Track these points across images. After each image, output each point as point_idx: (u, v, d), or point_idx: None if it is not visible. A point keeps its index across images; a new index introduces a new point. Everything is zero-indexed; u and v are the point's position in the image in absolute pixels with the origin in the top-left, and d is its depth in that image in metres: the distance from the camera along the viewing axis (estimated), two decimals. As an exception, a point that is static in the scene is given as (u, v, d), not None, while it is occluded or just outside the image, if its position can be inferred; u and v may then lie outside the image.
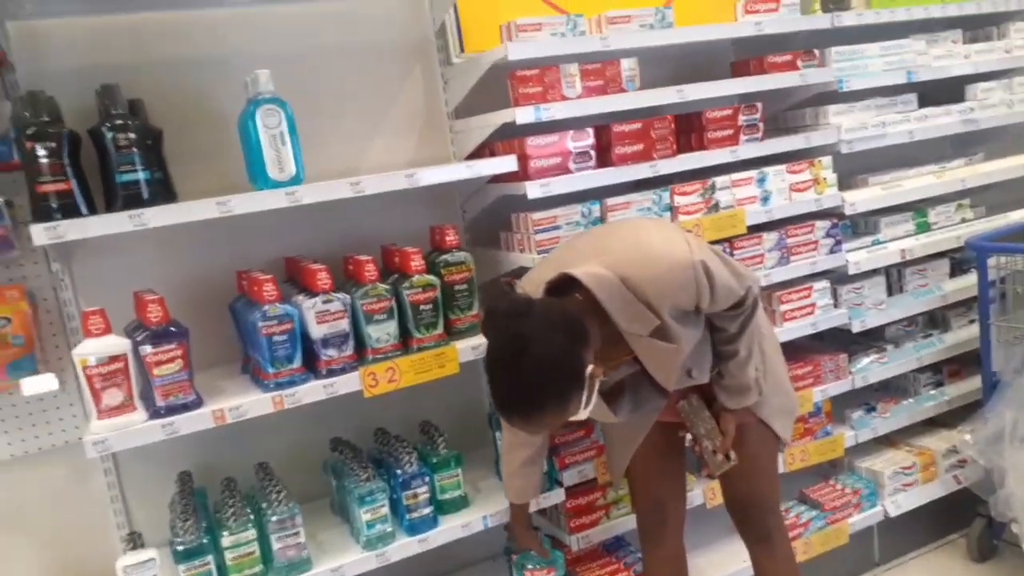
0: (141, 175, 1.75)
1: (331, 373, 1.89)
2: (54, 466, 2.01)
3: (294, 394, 1.83)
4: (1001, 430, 2.40)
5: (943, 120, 2.70)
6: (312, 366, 1.90)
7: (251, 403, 1.80)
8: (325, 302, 1.87)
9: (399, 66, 2.33)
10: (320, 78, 2.23)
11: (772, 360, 1.93)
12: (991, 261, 2.60)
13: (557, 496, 2.17)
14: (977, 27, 2.88)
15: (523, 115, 2.07)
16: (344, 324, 1.89)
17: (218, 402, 1.80)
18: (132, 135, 1.74)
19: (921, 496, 2.70)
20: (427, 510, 2.01)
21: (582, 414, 1.51)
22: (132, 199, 1.74)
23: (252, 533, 1.81)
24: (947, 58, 2.73)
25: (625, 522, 2.27)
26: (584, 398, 1.49)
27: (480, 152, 2.30)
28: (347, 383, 1.89)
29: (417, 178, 1.96)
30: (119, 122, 1.74)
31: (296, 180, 1.85)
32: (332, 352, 1.89)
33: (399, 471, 1.98)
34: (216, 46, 2.10)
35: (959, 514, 2.76)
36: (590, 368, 1.49)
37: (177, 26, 2.06)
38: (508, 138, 2.20)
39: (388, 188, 1.93)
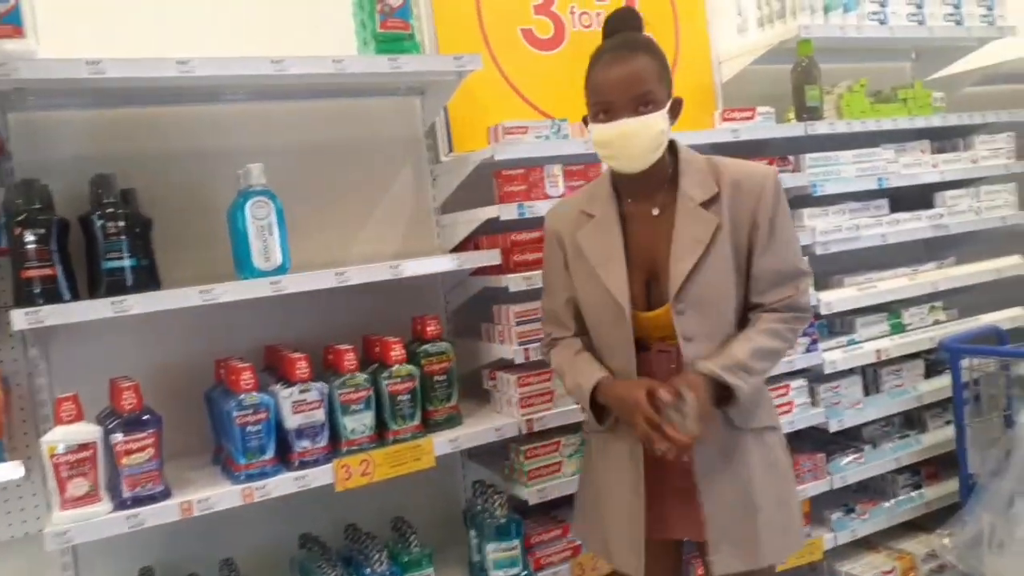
0: (127, 262, 1.77)
1: (304, 465, 1.86)
2: (11, 558, 1.94)
3: (264, 486, 1.80)
4: (979, 534, 2.38)
5: (914, 225, 2.79)
6: (284, 457, 1.87)
7: (220, 495, 1.77)
8: (302, 391, 1.86)
9: (390, 162, 2.40)
10: (313, 171, 2.29)
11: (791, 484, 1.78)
12: (964, 363, 2.64)
13: (532, 598, 2.12)
14: (944, 139, 3.01)
15: (507, 212, 2.13)
16: (320, 414, 1.88)
17: (186, 493, 1.76)
18: (121, 223, 1.77)
19: (903, 603, 2.65)
20: (397, 610, 1.95)
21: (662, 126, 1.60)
22: (116, 285, 1.75)
23: (214, 633, 1.75)
24: (916, 166, 2.85)
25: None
26: (667, 118, 1.62)
27: (465, 245, 2.35)
28: (319, 476, 1.86)
29: (401, 269, 2.00)
30: (109, 210, 1.77)
31: (281, 269, 1.87)
32: (306, 443, 1.87)
33: (368, 570, 1.93)
34: (213, 139, 2.16)
35: (942, 622, 2.71)
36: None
37: (176, 119, 2.12)
38: (493, 233, 2.25)
39: (372, 279, 1.96)
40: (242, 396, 1.81)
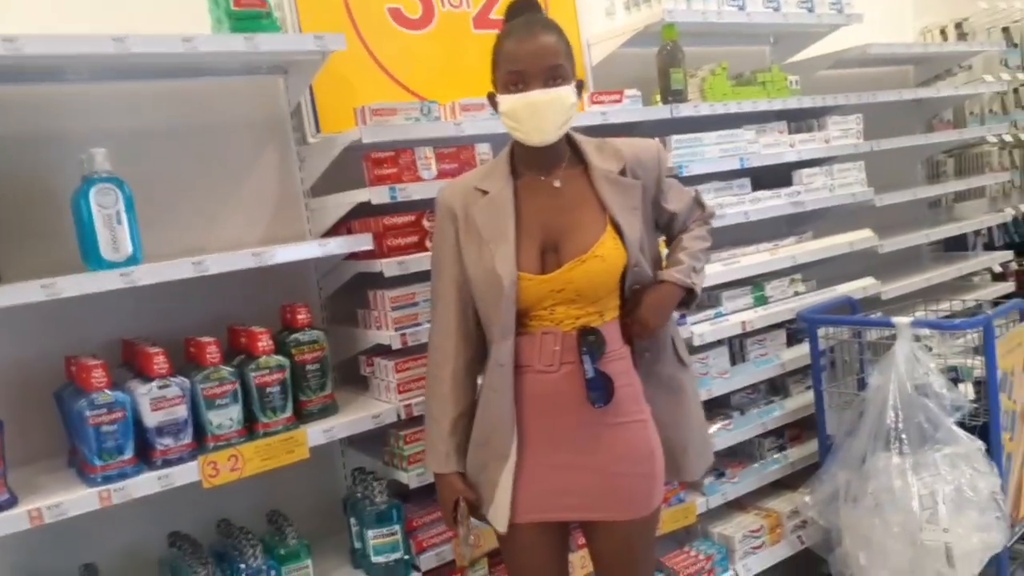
0: (-45, 256, 1.64)
1: (167, 464, 1.78)
2: None
3: (123, 488, 1.71)
4: (836, 490, 2.55)
5: (774, 202, 2.93)
6: (146, 457, 1.79)
7: (74, 500, 1.67)
8: (161, 387, 1.78)
9: (253, 144, 2.30)
10: (169, 155, 2.17)
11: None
12: (821, 332, 2.81)
13: (414, 582, 2.12)
14: (800, 119, 3.18)
15: (378, 195, 2.09)
16: (182, 410, 1.80)
17: (35, 500, 1.65)
18: (-53, 214, 1.63)
19: (769, 558, 2.82)
20: (273, 605, 1.90)
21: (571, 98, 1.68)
22: (-57, 282, 1.62)
23: (72, 645, 1.65)
24: (775, 146, 2.99)
25: (485, 603, 2.24)
26: (575, 92, 1.69)
27: (338, 230, 2.30)
28: (184, 474, 1.79)
29: (265, 257, 1.93)
30: (-68, 200, 1.63)
31: (133, 260, 1.77)
32: (168, 441, 1.79)
33: (242, 565, 1.87)
34: (53, 122, 2.00)
35: (805, 573, 2.89)
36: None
37: (9, 100, 1.96)
38: (366, 216, 2.21)
39: (234, 267, 1.88)
40: (94, 395, 1.71)
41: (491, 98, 1.75)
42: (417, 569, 2.13)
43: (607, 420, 1.73)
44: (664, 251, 1.95)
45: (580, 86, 1.73)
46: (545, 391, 1.73)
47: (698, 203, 1.96)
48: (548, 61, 1.64)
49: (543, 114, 1.65)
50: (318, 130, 2.35)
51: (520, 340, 1.73)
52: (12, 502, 1.64)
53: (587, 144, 1.80)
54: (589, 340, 1.69)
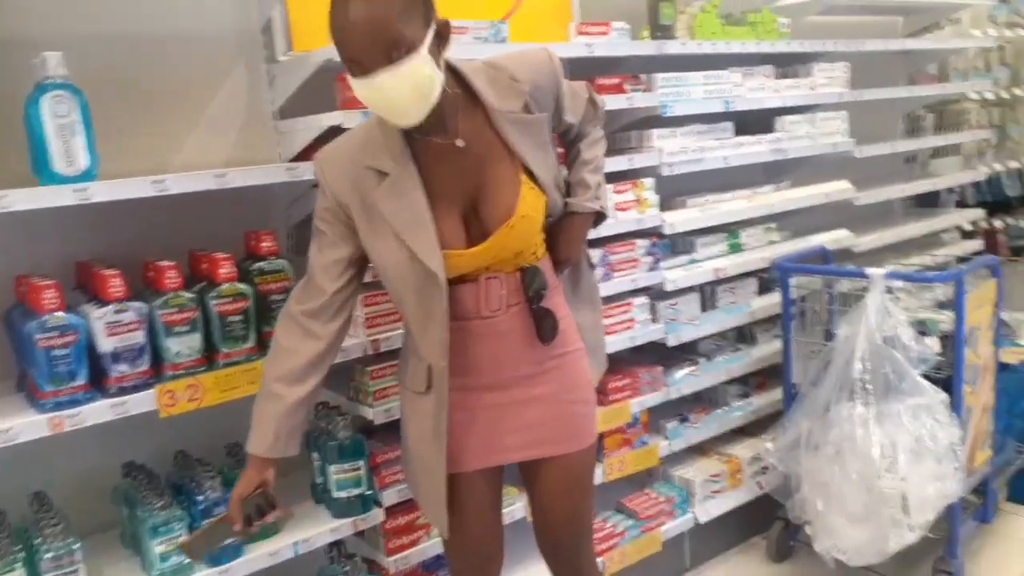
0: None
1: (122, 392, 1.71)
2: None
3: (77, 414, 1.65)
4: (798, 438, 2.58)
5: (755, 148, 2.88)
6: (100, 384, 1.72)
7: (23, 425, 1.60)
8: (117, 312, 1.69)
9: (221, 60, 2.17)
10: (130, 67, 2.03)
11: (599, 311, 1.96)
12: (793, 281, 2.81)
13: (376, 517, 2.10)
14: (786, 64, 3.11)
15: (350, 119, 1.98)
16: (139, 336, 1.72)
17: (-19, 425, 1.58)
18: None
19: (728, 502, 2.86)
20: (231, 538, 1.87)
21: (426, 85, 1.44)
22: None
23: (21, 574, 1.60)
24: (760, 91, 2.93)
25: (447, 539, 2.24)
26: (430, 59, 1.42)
27: (307, 155, 2.19)
28: (140, 402, 1.72)
29: (228, 179, 1.83)
30: None
31: (88, 176, 1.67)
32: (124, 368, 1.72)
33: (200, 497, 1.83)
34: (5, 23, 1.86)
35: (762, 518, 2.95)
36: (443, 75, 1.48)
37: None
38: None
39: (195, 188, 1.79)
40: (45, 317, 1.62)
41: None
42: (379, 504, 2.11)
43: (553, 352, 1.71)
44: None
45: (444, 31, 1.46)
46: (489, 334, 1.66)
47: (591, 103, 1.83)
48: (380, 37, 1.36)
49: (396, 99, 1.42)
50: (290, 48, 2.22)
51: (457, 290, 1.61)
52: (-43, 425, 1.57)
53: (479, 79, 1.58)
54: (535, 281, 1.65)
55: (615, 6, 2.77)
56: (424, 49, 1.41)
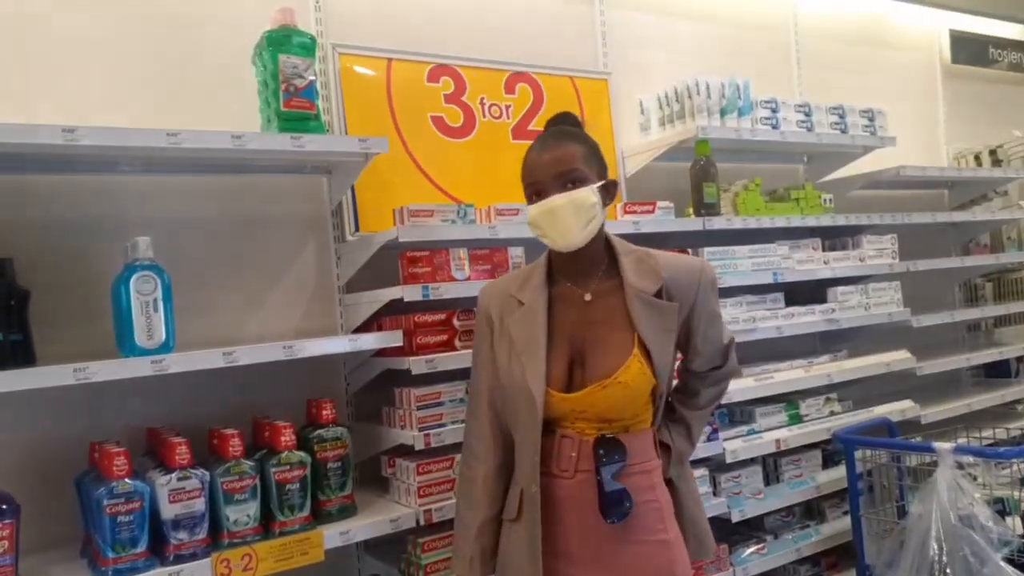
0: (-3, 336, 1.66)
1: (179, 559, 1.73)
2: None
3: (133, 583, 1.66)
4: (878, 627, 2.39)
5: (808, 318, 2.90)
6: (159, 550, 1.74)
7: (81, 594, 1.62)
8: (181, 479, 1.75)
9: (294, 240, 2.37)
10: (212, 247, 2.23)
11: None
12: (858, 454, 2.71)
13: None
14: (834, 237, 3.18)
15: (411, 293, 2.10)
16: (200, 504, 1.76)
17: (41, 592, 1.61)
18: (-7, 294, 1.67)
19: None
20: None
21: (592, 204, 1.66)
22: (-17, 361, 1.63)
23: None
24: (809, 262, 2.98)
25: None
26: (598, 194, 1.66)
27: (368, 326, 2.31)
28: (197, 571, 1.73)
29: (295, 349, 1.93)
30: (-20, 281, 1.67)
31: (165, 348, 1.79)
32: (183, 535, 1.74)
33: (245, 674, 1.78)
34: (102, 210, 2.08)
35: None
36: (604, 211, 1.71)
37: (62, 187, 2.04)
38: (397, 314, 2.22)
39: (263, 359, 1.89)
40: (114, 483, 1.68)
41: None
42: None
43: (626, 537, 1.64)
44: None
45: (612, 186, 1.72)
46: (560, 495, 1.67)
47: (725, 355, 1.87)
48: (562, 167, 1.65)
49: (562, 218, 1.64)
50: (357, 228, 2.40)
51: (542, 441, 1.68)
52: (18, 592, 1.60)
53: (627, 256, 1.76)
54: (605, 450, 1.63)
55: (659, 187, 2.92)
56: (594, 186, 1.67)
